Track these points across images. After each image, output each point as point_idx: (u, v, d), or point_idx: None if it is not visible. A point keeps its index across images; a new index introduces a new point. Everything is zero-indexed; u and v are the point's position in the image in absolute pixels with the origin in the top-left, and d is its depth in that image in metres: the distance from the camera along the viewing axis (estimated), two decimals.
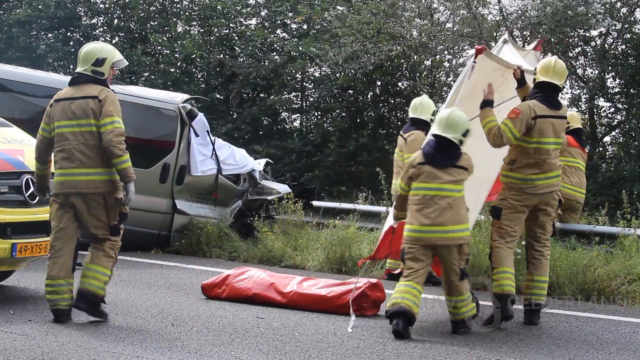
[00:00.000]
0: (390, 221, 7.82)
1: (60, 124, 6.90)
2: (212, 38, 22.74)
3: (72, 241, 6.91)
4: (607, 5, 16.73)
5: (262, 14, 23.42)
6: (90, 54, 7.03)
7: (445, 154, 7.19)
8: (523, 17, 17.23)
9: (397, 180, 9.83)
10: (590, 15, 16.13)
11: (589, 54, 18.67)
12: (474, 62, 7.68)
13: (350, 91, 21.43)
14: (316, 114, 23.05)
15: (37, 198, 7.39)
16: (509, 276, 7.68)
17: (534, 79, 7.89)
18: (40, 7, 23.11)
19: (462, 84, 7.75)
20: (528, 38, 18.74)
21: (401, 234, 7.36)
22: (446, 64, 20.84)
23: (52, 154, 7.00)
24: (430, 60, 20.44)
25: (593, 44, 18.58)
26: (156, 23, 23.39)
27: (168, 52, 22.85)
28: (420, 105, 10.02)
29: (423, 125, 9.83)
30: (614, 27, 17.89)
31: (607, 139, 19.94)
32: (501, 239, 7.79)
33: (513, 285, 7.68)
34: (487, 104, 7.67)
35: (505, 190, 7.88)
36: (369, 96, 21.37)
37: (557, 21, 16.51)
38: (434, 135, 7.25)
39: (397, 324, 6.93)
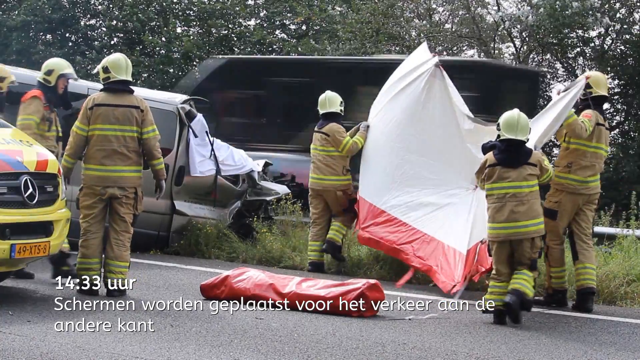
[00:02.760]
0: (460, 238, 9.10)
1: (103, 127, 7.95)
2: (211, 39, 22.73)
3: (102, 227, 8.04)
4: (605, 5, 16.72)
5: (261, 14, 23.42)
6: (130, 65, 8.14)
7: (517, 155, 7.84)
8: (520, 21, 17.24)
9: (318, 174, 10.53)
10: (586, 12, 16.11)
11: (588, 54, 18.67)
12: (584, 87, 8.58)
13: None
14: None
15: (36, 199, 7.40)
16: (566, 274, 8.73)
17: (590, 92, 8.63)
18: (37, 9, 23.10)
19: (569, 102, 8.47)
20: (527, 40, 18.77)
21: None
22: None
23: (84, 151, 8.05)
24: None
25: (592, 44, 18.58)
26: (155, 24, 23.38)
27: (163, 52, 22.80)
28: (327, 101, 10.59)
29: (335, 117, 10.56)
30: (612, 28, 17.89)
31: None
32: (557, 239, 8.65)
33: (566, 281, 8.78)
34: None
35: (559, 193, 8.60)
36: None
37: (555, 20, 16.50)
38: (504, 139, 7.87)
39: (504, 319, 7.71)
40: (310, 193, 10.76)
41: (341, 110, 10.64)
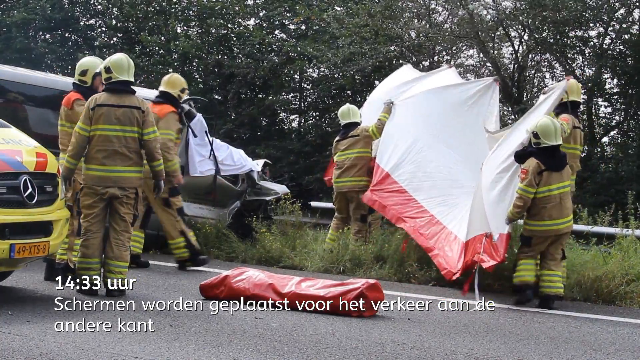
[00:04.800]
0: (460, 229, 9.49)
1: (105, 127, 7.97)
2: (210, 39, 22.70)
3: (103, 226, 8.07)
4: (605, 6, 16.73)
5: (261, 14, 23.39)
6: (133, 65, 8.16)
7: (561, 159, 8.70)
8: (499, 10, 17.36)
9: (344, 177, 11.20)
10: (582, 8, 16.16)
11: (587, 54, 18.66)
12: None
13: (349, 91, 21.43)
14: (314, 114, 23.03)
15: (35, 199, 7.40)
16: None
17: (562, 99, 9.28)
18: (37, 8, 23.07)
19: (554, 103, 9.13)
20: (525, 39, 18.74)
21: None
22: (444, 65, 20.79)
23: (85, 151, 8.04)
24: (428, 61, 20.42)
25: (591, 44, 18.57)
26: (154, 24, 23.33)
27: (163, 52, 22.76)
28: (350, 112, 11.51)
29: (357, 126, 11.41)
30: (612, 28, 17.88)
31: (605, 139, 19.95)
32: None
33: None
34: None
35: None
36: (367, 96, 21.31)
37: (540, 9, 16.51)
38: (548, 147, 8.53)
39: (529, 294, 8.62)
40: (336, 195, 11.39)
41: (361, 121, 11.48)
